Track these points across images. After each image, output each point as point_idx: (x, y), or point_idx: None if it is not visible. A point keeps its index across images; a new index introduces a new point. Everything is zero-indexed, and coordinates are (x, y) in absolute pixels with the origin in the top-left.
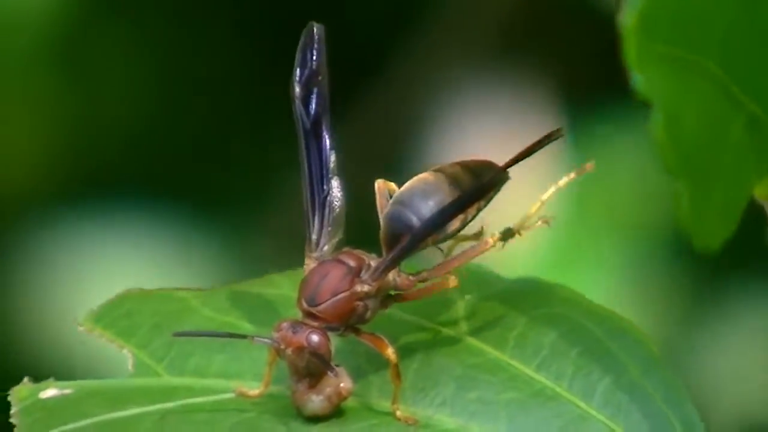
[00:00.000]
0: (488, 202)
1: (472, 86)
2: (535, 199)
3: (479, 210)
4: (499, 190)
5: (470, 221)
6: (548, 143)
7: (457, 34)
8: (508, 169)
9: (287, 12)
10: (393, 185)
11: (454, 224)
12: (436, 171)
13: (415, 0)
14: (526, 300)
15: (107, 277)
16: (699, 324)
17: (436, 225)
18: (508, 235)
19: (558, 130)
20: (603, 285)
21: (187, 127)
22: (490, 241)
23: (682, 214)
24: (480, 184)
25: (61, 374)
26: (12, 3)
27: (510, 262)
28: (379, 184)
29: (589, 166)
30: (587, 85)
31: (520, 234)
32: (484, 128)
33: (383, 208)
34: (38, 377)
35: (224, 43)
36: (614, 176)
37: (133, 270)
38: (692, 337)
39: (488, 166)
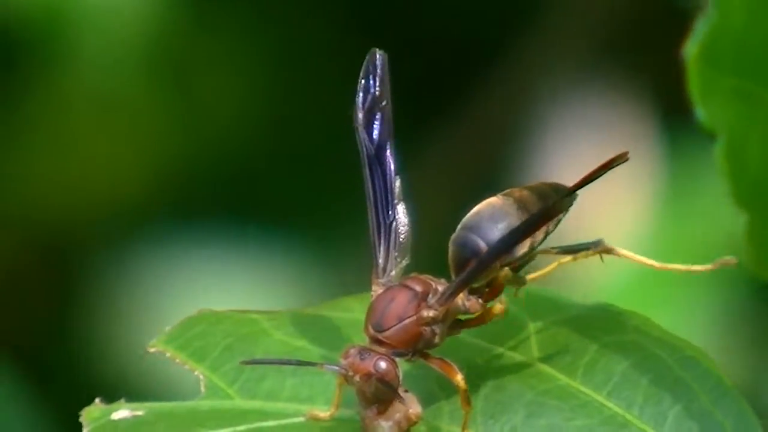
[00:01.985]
0: (557, 224)
1: (570, 98)
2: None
3: (547, 233)
4: (566, 213)
5: (539, 245)
6: (612, 168)
7: (558, 44)
8: (576, 192)
9: (390, 27)
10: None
11: (522, 248)
12: (503, 195)
13: (518, 8)
14: (598, 326)
15: (185, 297)
16: None
17: (504, 249)
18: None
19: (624, 153)
20: (687, 325)
21: (281, 147)
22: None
23: (745, 244)
24: (546, 207)
25: (133, 395)
26: (119, 17)
27: (590, 290)
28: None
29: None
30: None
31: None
32: (582, 140)
33: None
34: (110, 398)
35: (326, 60)
36: (712, 194)
37: (210, 292)
38: None
39: (556, 188)
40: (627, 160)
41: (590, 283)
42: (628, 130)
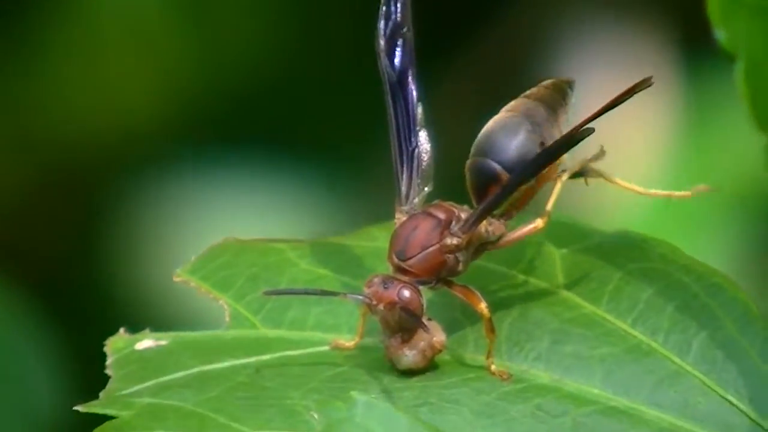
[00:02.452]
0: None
1: (589, 35)
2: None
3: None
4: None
5: (559, 167)
6: (637, 92)
7: None
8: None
9: None
10: None
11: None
12: (509, 111)
13: None
14: (623, 254)
15: (209, 226)
16: None
17: (527, 176)
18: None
19: (648, 78)
20: (712, 254)
21: (298, 80)
22: (540, 222)
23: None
24: (568, 134)
25: (158, 326)
26: None
27: (615, 220)
28: None
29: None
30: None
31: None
32: (600, 77)
33: None
34: (135, 328)
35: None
36: (736, 131)
37: (235, 219)
38: None
39: (559, 89)
40: (651, 85)
41: (606, 215)
42: (650, 59)
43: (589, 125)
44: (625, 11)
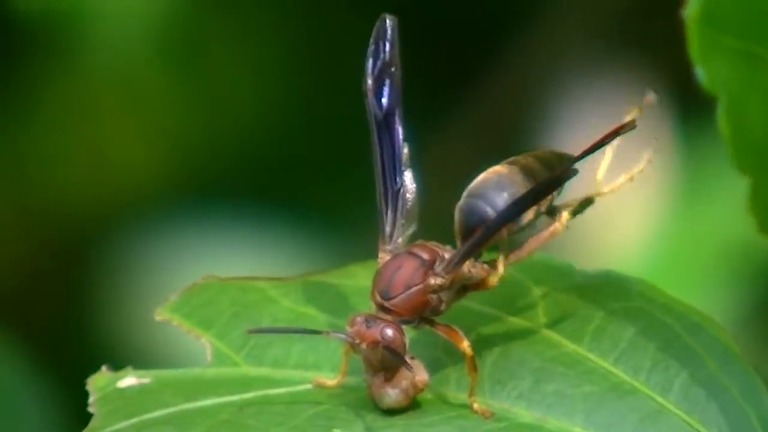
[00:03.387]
0: (560, 192)
1: (583, 83)
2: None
3: (552, 201)
4: (571, 180)
5: (543, 212)
6: (619, 135)
7: (571, 30)
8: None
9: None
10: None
11: (528, 215)
12: (509, 163)
13: None
14: (604, 293)
15: (195, 273)
16: None
17: (511, 216)
18: (574, 210)
19: (631, 121)
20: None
21: (282, 127)
22: (559, 226)
23: (747, 205)
24: (554, 176)
25: (140, 364)
26: (126, 5)
27: (605, 262)
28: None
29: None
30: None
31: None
32: (594, 118)
33: None
34: (117, 367)
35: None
36: (727, 184)
37: (218, 265)
38: None
39: (561, 156)
40: (634, 127)
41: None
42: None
43: (573, 167)
44: (618, 64)
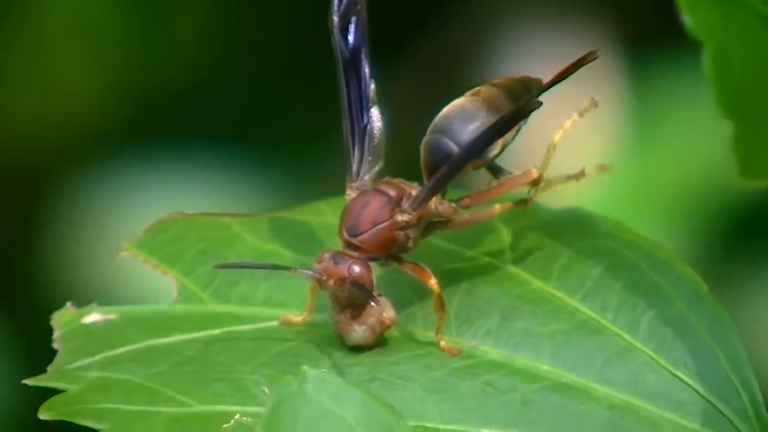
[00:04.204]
0: (526, 122)
1: (530, 33)
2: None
3: (518, 132)
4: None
5: (509, 145)
6: (582, 66)
7: None
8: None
9: None
10: None
11: (494, 149)
12: (472, 95)
13: None
14: (571, 231)
15: (152, 212)
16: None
17: (476, 151)
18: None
19: (593, 52)
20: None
21: (250, 68)
22: (534, 172)
23: (730, 149)
24: (518, 107)
25: (105, 300)
26: None
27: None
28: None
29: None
30: (650, 30)
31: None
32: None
33: None
34: (81, 303)
35: None
36: (676, 124)
37: (183, 204)
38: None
39: (524, 84)
40: (597, 58)
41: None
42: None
43: (537, 99)
44: (570, 9)
